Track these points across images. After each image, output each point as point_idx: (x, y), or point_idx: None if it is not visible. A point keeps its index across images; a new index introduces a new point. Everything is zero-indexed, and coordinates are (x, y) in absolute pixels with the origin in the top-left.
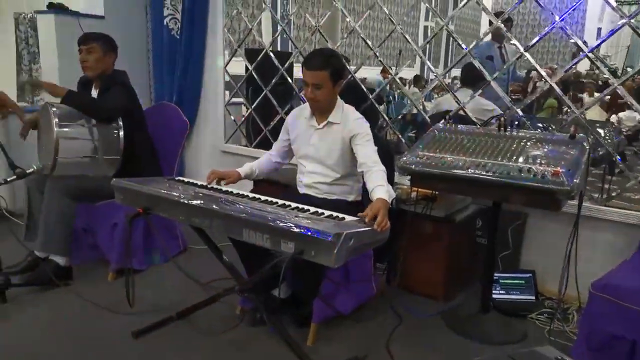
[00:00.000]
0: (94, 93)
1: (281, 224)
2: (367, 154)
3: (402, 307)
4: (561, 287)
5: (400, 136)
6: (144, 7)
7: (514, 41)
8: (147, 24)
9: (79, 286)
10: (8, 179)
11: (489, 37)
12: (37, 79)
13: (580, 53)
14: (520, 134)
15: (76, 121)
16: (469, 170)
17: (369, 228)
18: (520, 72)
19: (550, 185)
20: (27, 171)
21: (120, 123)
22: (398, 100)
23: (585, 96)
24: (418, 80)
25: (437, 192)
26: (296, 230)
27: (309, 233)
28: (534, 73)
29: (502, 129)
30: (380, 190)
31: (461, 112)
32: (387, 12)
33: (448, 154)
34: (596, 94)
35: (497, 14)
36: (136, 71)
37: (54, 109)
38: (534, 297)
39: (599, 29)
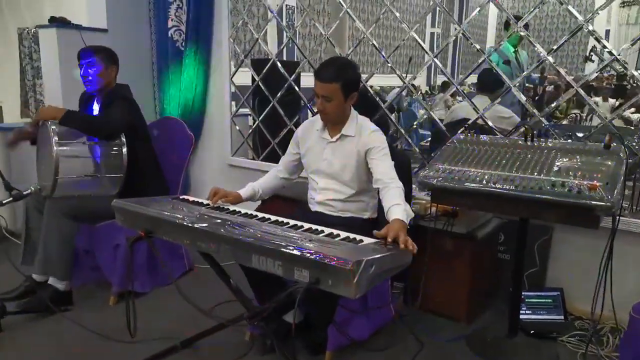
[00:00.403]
0: (96, 108)
1: (294, 250)
2: (384, 170)
3: (423, 330)
4: (594, 306)
5: (415, 147)
6: (148, 19)
7: (537, 45)
8: (152, 36)
9: (79, 311)
10: (4, 202)
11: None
12: (24, 128)
13: (592, 55)
14: (548, 144)
15: (77, 139)
16: (496, 185)
17: (391, 252)
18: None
19: (588, 201)
20: (25, 192)
21: (123, 139)
22: (408, 109)
23: (599, 100)
24: (447, 86)
25: (457, 208)
26: (311, 257)
27: (326, 260)
28: (549, 77)
29: (529, 138)
30: (397, 210)
31: (478, 120)
32: (398, 16)
33: (471, 167)
34: (610, 99)
35: (516, 18)
36: (140, 85)
37: (53, 127)
38: (562, 317)
39: (607, 31)
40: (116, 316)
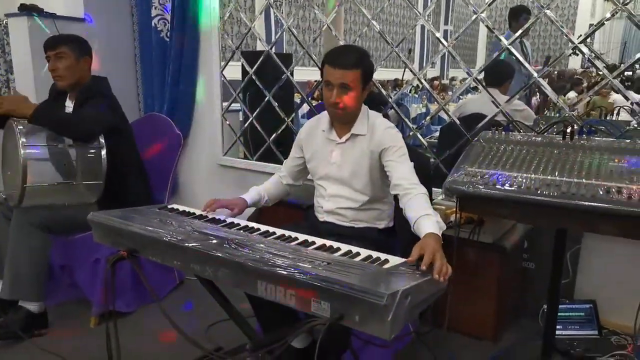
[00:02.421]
0: (69, 105)
1: (310, 279)
2: (403, 173)
3: (444, 352)
4: (637, 321)
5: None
6: (129, 8)
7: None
8: (133, 26)
9: (54, 336)
10: None
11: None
12: None
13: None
14: (591, 142)
15: (48, 141)
16: (538, 191)
17: (426, 278)
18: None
19: None
20: None
21: (102, 141)
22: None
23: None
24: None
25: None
26: (333, 287)
27: (353, 292)
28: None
29: (569, 136)
30: (428, 222)
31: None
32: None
33: (505, 170)
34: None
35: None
36: (123, 79)
37: (20, 127)
38: (596, 332)
39: (591, 25)
40: (97, 341)
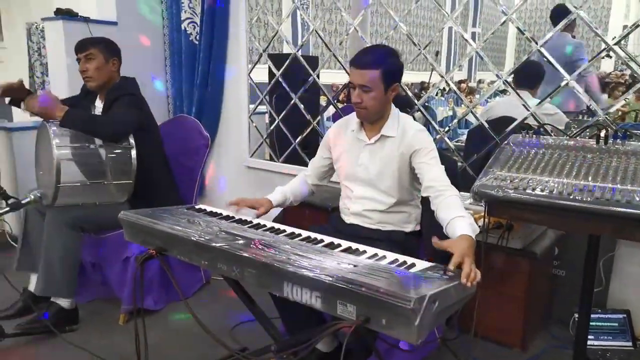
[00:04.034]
0: (99, 105)
1: (337, 281)
2: (435, 176)
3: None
4: None
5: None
6: (160, 11)
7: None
8: (164, 29)
9: (85, 332)
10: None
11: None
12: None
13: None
14: (627, 147)
15: (80, 142)
16: (570, 197)
17: (454, 283)
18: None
19: None
20: (23, 202)
21: (132, 141)
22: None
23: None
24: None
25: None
26: (359, 290)
27: (380, 295)
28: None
29: (603, 140)
30: (461, 223)
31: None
32: (437, 2)
33: (536, 174)
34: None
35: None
36: (153, 81)
37: (54, 128)
38: (630, 344)
39: (625, 27)
40: (126, 337)
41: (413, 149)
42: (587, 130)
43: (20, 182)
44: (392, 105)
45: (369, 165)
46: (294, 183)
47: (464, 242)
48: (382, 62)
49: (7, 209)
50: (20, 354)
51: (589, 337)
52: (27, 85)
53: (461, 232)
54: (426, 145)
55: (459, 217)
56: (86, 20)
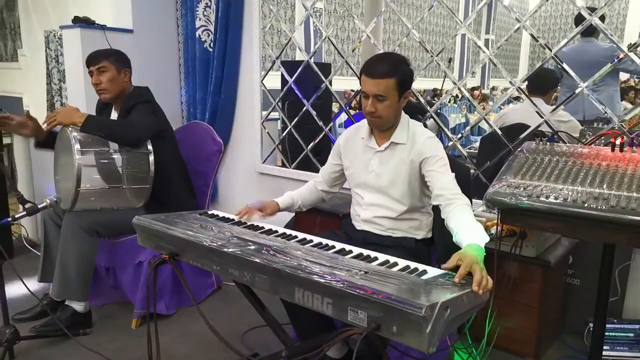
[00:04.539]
0: (114, 116)
1: (348, 287)
2: (445, 184)
3: None
4: None
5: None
6: (175, 19)
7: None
8: (178, 37)
9: (98, 336)
10: (16, 216)
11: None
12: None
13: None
14: None
15: (100, 147)
16: (585, 205)
17: (466, 291)
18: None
19: None
20: (40, 206)
21: (150, 147)
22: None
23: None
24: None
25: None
26: (370, 296)
27: (391, 302)
28: None
29: (618, 148)
30: (471, 233)
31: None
32: (450, 9)
33: (550, 182)
34: None
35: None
36: (167, 88)
37: (75, 134)
38: None
39: None
40: (138, 341)
41: (423, 156)
42: (602, 137)
43: (37, 188)
44: (403, 112)
45: (380, 172)
46: (304, 189)
47: (472, 252)
48: (396, 70)
49: (24, 213)
50: (35, 357)
51: (605, 347)
52: (45, 93)
53: (469, 241)
54: (436, 152)
55: (468, 227)
56: (103, 28)
